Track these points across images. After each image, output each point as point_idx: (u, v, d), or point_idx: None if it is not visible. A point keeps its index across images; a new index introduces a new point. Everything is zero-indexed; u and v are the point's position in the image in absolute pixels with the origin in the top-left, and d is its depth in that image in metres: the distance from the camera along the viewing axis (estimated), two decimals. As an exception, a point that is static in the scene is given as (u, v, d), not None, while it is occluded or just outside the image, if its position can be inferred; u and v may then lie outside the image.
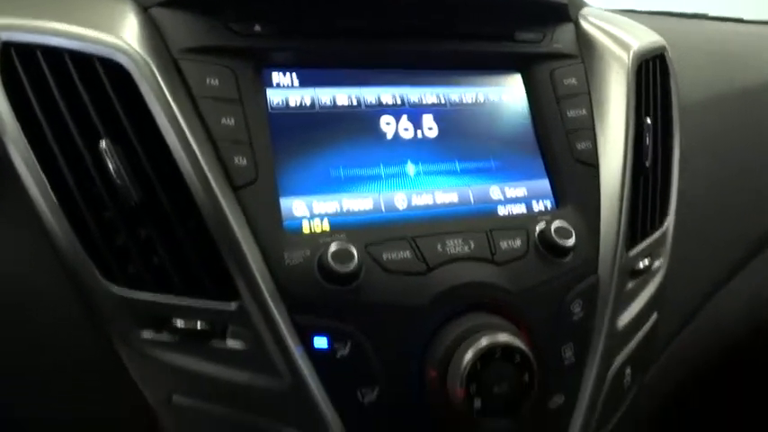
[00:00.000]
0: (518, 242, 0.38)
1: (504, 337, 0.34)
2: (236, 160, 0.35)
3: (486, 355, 0.34)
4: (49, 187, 0.33)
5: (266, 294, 0.33)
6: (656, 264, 0.45)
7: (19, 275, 0.35)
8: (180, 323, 0.33)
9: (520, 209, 0.41)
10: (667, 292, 0.45)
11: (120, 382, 0.34)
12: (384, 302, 0.35)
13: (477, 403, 0.33)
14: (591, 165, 0.42)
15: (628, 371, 0.42)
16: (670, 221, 0.46)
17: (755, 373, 0.61)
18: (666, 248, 0.46)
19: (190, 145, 0.34)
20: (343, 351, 0.34)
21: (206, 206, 0.34)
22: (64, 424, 0.36)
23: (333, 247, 0.34)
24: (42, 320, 0.35)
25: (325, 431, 0.34)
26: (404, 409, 0.35)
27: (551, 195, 0.42)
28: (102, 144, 0.33)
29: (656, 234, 0.45)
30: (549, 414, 0.38)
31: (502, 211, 0.41)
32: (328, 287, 0.34)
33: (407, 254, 0.36)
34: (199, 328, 0.33)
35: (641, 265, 0.43)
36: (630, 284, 0.43)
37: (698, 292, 0.50)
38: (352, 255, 0.34)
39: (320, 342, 0.34)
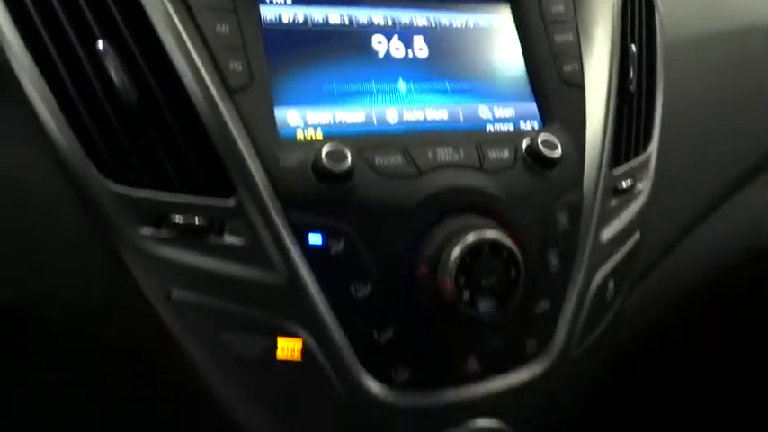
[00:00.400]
0: (506, 153, 0.40)
1: (491, 234, 0.36)
2: (231, 65, 0.36)
3: (474, 250, 0.35)
4: (48, 90, 0.34)
5: (263, 192, 0.35)
6: (639, 186, 0.46)
7: (18, 178, 0.36)
8: (178, 219, 0.34)
9: (508, 127, 0.42)
10: (652, 216, 0.47)
11: (120, 279, 0.35)
12: (376, 202, 0.36)
13: (466, 295, 0.35)
14: (577, 85, 0.44)
15: (611, 284, 0.43)
16: (653, 148, 0.48)
17: (742, 304, 0.63)
18: (649, 173, 0.47)
19: (187, 48, 0.35)
20: (337, 248, 0.35)
21: (203, 106, 0.35)
22: (64, 324, 0.37)
23: (327, 149, 0.35)
24: (41, 221, 0.36)
25: (320, 324, 0.35)
26: (396, 305, 0.36)
27: (538, 117, 0.43)
28: (100, 45, 0.34)
29: (640, 158, 0.47)
30: (535, 319, 0.40)
31: (490, 128, 0.42)
32: (322, 187, 0.35)
33: (399, 159, 0.37)
34: (197, 223, 0.34)
35: (624, 184, 0.45)
36: (614, 202, 0.44)
37: (685, 217, 0.51)
38: (346, 155, 0.35)
39: (315, 239, 0.35)
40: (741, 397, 0.75)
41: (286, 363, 0.35)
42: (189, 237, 0.35)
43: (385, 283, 0.36)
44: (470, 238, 0.35)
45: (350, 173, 0.35)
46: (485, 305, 0.35)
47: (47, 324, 0.37)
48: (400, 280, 0.36)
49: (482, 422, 0.39)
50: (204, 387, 0.37)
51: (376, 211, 0.36)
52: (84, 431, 0.42)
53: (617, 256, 0.44)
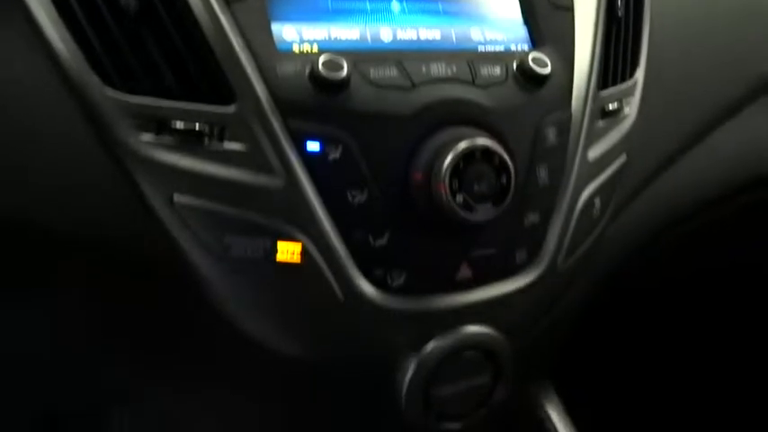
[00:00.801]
0: (497, 70, 0.41)
1: (483, 141, 0.37)
2: None
3: (467, 156, 0.36)
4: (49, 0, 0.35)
5: (262, 99, 0.36)
6: (626, 110, 0.48)
7: (21, 88, 0.37)
8: (179, 125, 0.35)
9: (499, 48, 0.43)
10: (639, 141, 0.48)
11: (122, 185, 0.36)
12: (372, 112, 0.37)
13: (459, 199, 0.36)
14: (566, 9, 0.45)
15: (597, 202, 0.45)
16: (640, 73, 0.49)
17: (735, 230, 0.65)
18: (636, 98, 0.48)
19: None
20: (335, 154, 0.37)
21: (202, 15, 0.35)
22: (66, 232, 0.38)
23: (323, 58, 0.36)
24: (44, 131, 0.37)
25: (318, 228, 0.37)
26: (391, 211, 0.38)
27: (528, 40, 0.44)
28: None
29: (628, 82, 0.48)
30: (524, 230, 0.41)
31: (482, 49, 0.43)
32: (319, 95, 0.36)
33: (394, 71, 0.38)
34: (197, 129, 0.35)
35: (611, 106, 0.46)
36: (601, 123, 0.45)
37: (673, 143, 0.53)
38: (342, 65, 0.36)
39: (313, 146, 0.36)
40: (728, 318, 0.78)
41: (285, 265, 0.37)
42: (189, 142, 0.35)
43: (381, 190, 0.37)
44: (463, 144, 0.37)
45: (346, 82, 0.36)
46: (477, 209, 0.37)
47: (49, 233, 0.38)
48: (396, 187, 0.38)
49: (472, 328, 0.41)
50: (206, 292, 0.38)
51: (371, 121, 0.37)
52: (87, 340, 0.44)
53: (603, 176, 0.45)
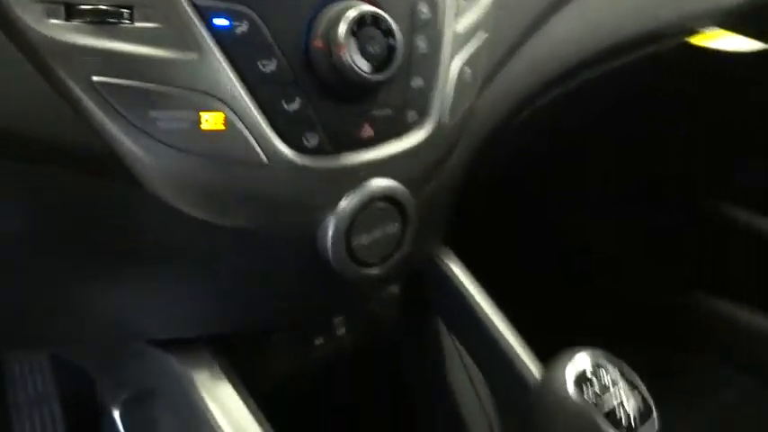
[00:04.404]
0: None
1: (371, 8, 0.43)
2: None
3: (359, 21, 0.42)
4: None
5: None
6: None
7: None
8: (85, 5, 0.38)
9: None
10: (498, 17, 0.56)
11: (39, 75, 0.38)
12: None
13: (356, 59, 0.42)
14: None
15: (468, 70, 0.52)
16: None
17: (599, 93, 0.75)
18: None
19: None
20: (242, 28, 0.41)
21: None
22: None
23: None
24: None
25: (236, 98, 0.41)
26: (299, 77, 0.43)
27: None
28: None
29: None
30: (412, 93, 0.48)
31: None
32: None
33: None
34: (103, 8, 0.38)
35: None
36: (463, 1, 0.53)
37: (528, 20, 0.61)
38: None
39: (220, 21, 0.40)
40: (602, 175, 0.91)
41: (210, 134, 0.41)
42: (101, 24, 0.38)
43: (287, 59, 0.42)
44: (354, 12, 0.42)
45: None
46: (370, 67, 0.43)
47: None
48: (300, 54, 0.42)
49: (380, 182, 0.47)
50: (135, 170, 0.41)
51: None
52: (16, 239, 0.45)
53: (471, 47, 0.53)
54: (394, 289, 0.59)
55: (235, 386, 0.47)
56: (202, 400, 0.46)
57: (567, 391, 0.33)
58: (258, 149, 0.42)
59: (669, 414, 0.50)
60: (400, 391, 0.66)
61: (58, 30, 0.37)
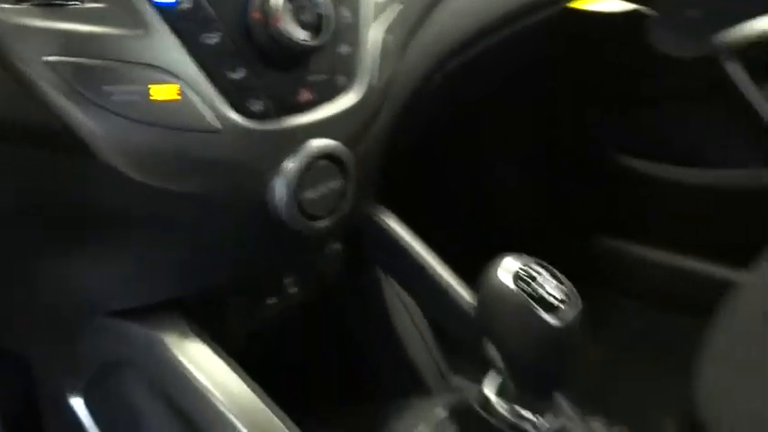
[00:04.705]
0: None
1: None
2: None
3: None
4: None
5: None
6: None
7: None
8: None
9: None
10: None
11: None
12: None
13: (291, 28, 0.46)
14: None
15: (389, 37, 0.58)
16: None
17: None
18: None
19: None
20: (186, 4, 0.44)
21: None
22: None
23: None
24: None
25: (186, 69, 0.44)
26: (241, 47, 0.46)
27: None
28: None
29: None
30: (341, 59, 0.53)
31: None
32: None
33: None
34: None
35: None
36: None
37: None
38: None
39: (164, -1, 0.44)
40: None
41: (163, 104, 0.44)
42: (49, 6, 0.40)
43: (229, 31, 0.46)
44: None
45: None
46: (304, 34, 0.47)
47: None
48: (241, 26, 0.46)
49: (320, 141, 0.51)
50: (93, 145, 0.43)
51: None
52: None
53: (388, 16, 0.58)
54: (337, 246, 0.64)
55: (208, 344, 0.50)
56: (179, 360, 0.49)
57: (504, 286, 0.39)
58: (210, 116, 0.45)
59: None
60: (349, 343, 0.71)
61: (9, 13, 0.39)
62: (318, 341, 0.71)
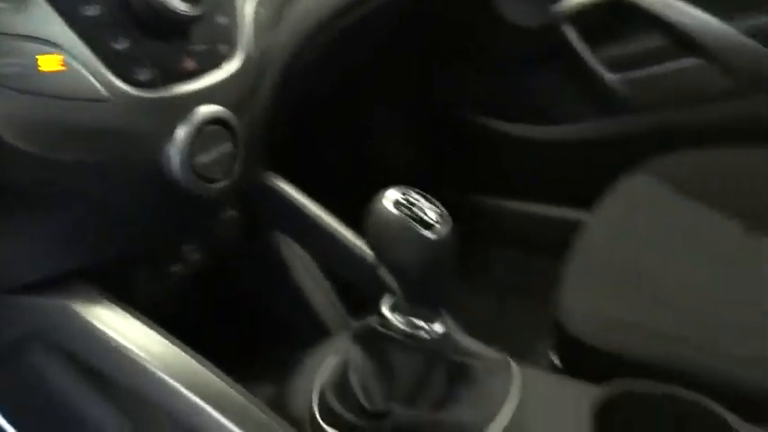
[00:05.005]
0: None
1: None
2: None
3: None
4: None
5: None
6: None
7: None
8: None
9: None
10: None
11: None
12: None
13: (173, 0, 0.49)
14: None
15: (261, 9, 0.61)
16: None
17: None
18: None
19: None
20: None
21: None
22: None
23: None
24: None
25: (69, 41, 0.45)
26: (121, 19, 0.48)
27: None
28: None
29: None
30: (221, 29, 0.56)
31: None
32: None
33: None
34: None
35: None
36: None
37: None
38: None
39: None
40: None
41: (51, 75, 0.45)
42: None
43: (108, 3, 0.47)
44: None
45: None
46: (182, 4, 0.50)
47: None
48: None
49: (208, 107, 0.54)
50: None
51: None
52: None
53: None
54: (233, 213, 0.67)
55: (121, 307, 0.52)
56: (94, 325, 0.50)
57: (387, 211, 0.45)
58: (97, 85, 0.47)
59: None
60: (254, 303, 0.75)
61: None
62: (225, 303, 0.74)
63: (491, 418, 0.50)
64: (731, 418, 0.51)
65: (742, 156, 0.90)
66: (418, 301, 0.48)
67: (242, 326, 0.74)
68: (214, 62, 0.55)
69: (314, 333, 0.68)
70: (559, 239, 0.85)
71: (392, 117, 1.23)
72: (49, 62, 0.45)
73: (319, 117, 0.97)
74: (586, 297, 0.74)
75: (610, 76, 1.09)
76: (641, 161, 0.91)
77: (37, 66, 0.44)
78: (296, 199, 0.68)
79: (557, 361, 0.73)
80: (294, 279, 0.73)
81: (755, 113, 0.99)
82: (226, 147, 0.56)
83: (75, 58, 0.46)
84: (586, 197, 0.91)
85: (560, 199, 1.17)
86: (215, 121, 0.55)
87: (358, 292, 0.65)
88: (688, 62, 1.03)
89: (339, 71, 0.93)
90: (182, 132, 0.52)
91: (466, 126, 1.21)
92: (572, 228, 0.85)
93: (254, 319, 0.75)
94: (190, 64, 0.53)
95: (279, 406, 0.54)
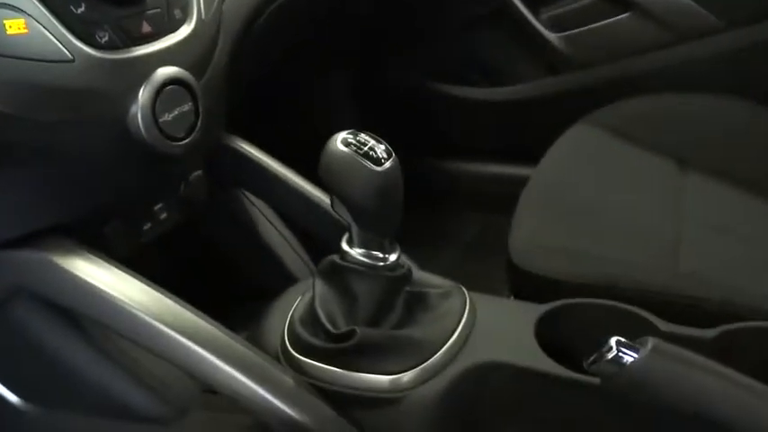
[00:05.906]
0: None
1: None
2: None
3: None
4: None
5: None
6: None
7: None
8: None
9: None
10: None
11: None
12: None
13: None
14: None
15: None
16: None
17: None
18: None
19: None
20: None
21: None
22: None
23: None
24: None
25: (31, 5, 0.49)
26: None
27: None
28: None
29: None
30: (173, 23, 0.59)
31: None
32: None
33: None
34: None
35: None
36: None
37: None
38: None
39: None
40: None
41: (16, 37, 0.48)
42: None
43: None
44: None
45: None
46: None
47: None
48: None
49: (167, 69, 0.58)
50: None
51: None
52: None
53: None
54: (198, 174, 0.71)
55: (99, 256, 0.55)
56: (75, 274, 0.53)
57: (339, 149, 0.49)
58: (60, 46, 0.50)
59: (419, 257, 0.69)
60: (223, 258, 0.79)
61: None
62: (195, 262, 0.78)
63: (447, 336, 0.55)
64: (659, 322, 0.57)
65: (673, 102, 0.97)
66: (371, 230, 0.53)
67: (213, 282, 0.78)
68: (170, 26, 0.59)
69: (283, 284, 0.73)
70: (515, 196, 0.90)
71: (346, 82, 1.27)
72: (12, 25, 0.48)
73: (273, 82, 1.01)
74: (533, 231, 0.79)
75: (552, 36, 1.15)
76: (585, 113, 0.96)
77: (5, 29, 0.47)
78: (257, 157, 0.72)
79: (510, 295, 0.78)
80: (260, 234, 0.77)
81: (685, 62, 1.06)
82: (187, 106, 0.60)
83: (36, 20, 0.49)
84: (538, 154, 0.96)
85: (515, 157, 1.22)
86: (175, 81, 0.58)
87: (323, 244, 0.70)
88: (622, 17, 1.09)
89: (291, 37, 0.97)
90: (144, 92, 0.56)
91: (418, 91, 1.25)
92: (526, 183, 0.90)
93: (223, 274, 0.79)
94: (146, 28, 0.57)
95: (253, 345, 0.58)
